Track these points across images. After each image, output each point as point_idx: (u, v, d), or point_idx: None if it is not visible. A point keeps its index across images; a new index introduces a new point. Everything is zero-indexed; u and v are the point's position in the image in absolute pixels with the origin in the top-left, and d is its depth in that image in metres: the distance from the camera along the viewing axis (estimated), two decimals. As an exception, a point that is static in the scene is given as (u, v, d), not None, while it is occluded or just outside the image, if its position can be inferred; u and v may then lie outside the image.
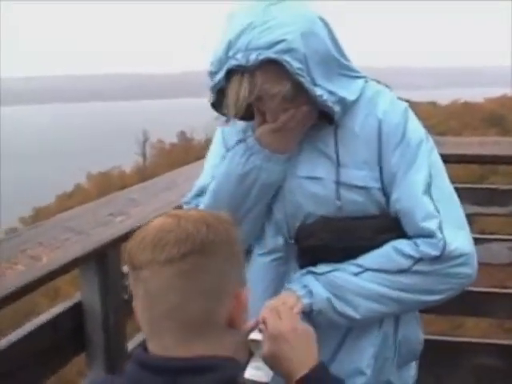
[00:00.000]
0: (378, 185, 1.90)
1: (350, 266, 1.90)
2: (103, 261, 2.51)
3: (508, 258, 4.34)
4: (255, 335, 1.67)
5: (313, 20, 1.81)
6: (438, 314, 4.38)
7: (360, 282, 1.88)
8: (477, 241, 4.26)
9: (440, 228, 1.85)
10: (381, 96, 1.94)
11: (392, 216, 1.92)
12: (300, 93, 1.79)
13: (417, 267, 1.86)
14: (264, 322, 1.67)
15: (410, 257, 1.86)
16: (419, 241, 1.86)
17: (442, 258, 1.85)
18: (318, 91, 1.79)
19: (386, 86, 2.01)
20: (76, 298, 2.55)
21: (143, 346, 1.33)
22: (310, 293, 1.90)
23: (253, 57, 1.73)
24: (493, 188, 4.49)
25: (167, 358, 1.26)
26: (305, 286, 1.90)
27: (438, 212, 1.86)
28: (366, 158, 1.89)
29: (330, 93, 1.81)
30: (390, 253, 1.89)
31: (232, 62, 1.76)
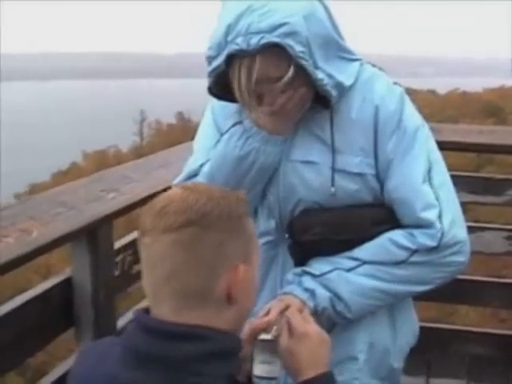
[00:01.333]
0: (373, 171, 1.88)
1: (346, 261, 1.89)
2: (94, 237, 2.49)
3: (502, 248, 4.34)
4: (265, 335, 1.66)
5: (313, 2, 1.76)
6: (431, 301, 4.38)
7: (357, 279, 1.87)
8: (471, 229, 4.28)
9: (439, 217, 1.84)
10: (376, 80, 1.91)
11: (387, 206, 1.91)
12: (299, 75, 1.75)
13: (413, 258, 1.86)
14: (283, 320, 1.65)
15: (406, 248, 1.86)
16: (416, 232, 1.86)
17: (439, 248, 1.85)
18: (320, 74, 1.76)
19: (381, 69, 1.98)
20: (66, 273, 2.53)
21: (146, 309, 1.35)
22: (313, 295, 1.88)
23: (254, 41, 1.68)
24: (488, 177, 4.50)
25: (160, 320, 1.29)
26: (306, 289, 1.89)
27: (438, 200, 1.85)
28: (361, 144, 1.87)
29: (329, 76, 1.78)
30: (386, 245, 1.88)
31: (232, 47, 1.72)
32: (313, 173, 1.89)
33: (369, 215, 1.92)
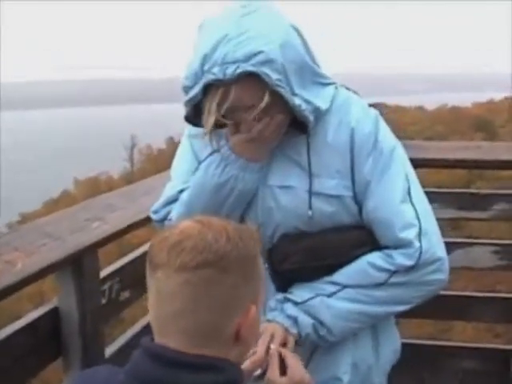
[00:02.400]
0: (350, 193, 1.90)
1: (327, 286, 1.91)
2: (79, 266, 2.50)
3: (491, 262, 4.35)
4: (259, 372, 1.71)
5: (287, 29, 1.78)
6: (421, 317, 4.38)
7: (338, 303, 1.89)
8: (459, 245, 4.31)
9: (419, 236, 1.86)
10: (352, 103, 1.93)
11: (366, 228, 1.93)
12: (276, 102, 1.77)
13: (392, 279, 1.88)
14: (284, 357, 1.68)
15: (385, 270, 1.88)
16: (394, 253, 1.87)
17: (417, 266, 1.87)
18: (297, 101, 1.77)
19: (355, 92, 2.00)
20: (53, 302, 2.54)
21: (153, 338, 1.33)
22: (296, 322, 1.91)
23: (230, 70, 1.70)
24: (474, 192, 4.50)
25: (173, 349, 1.27)
26: (289, 317, 1.91)
27: (419, 219, 1.87)
28: (338, 166, 1.88)
29: (307, 102, 1.80)
30: (365, 268, 1.89)
31: (209, 76, 1.73)
32: (290, 197, 1.90)
33: (348, 239, 1.93)
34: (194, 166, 1.99)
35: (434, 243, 1.89)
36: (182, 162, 2.08)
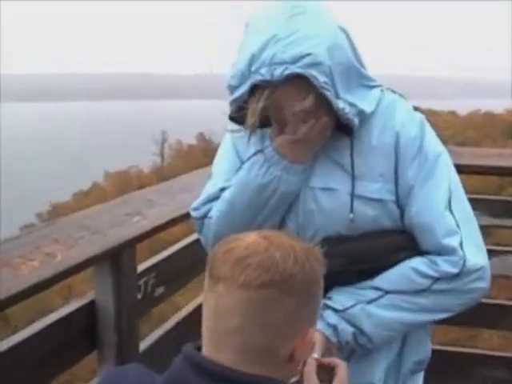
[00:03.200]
0: (393, 197, 1.87)
1: (368, 292, 1.89)
2: (118, 260, 2.51)
3: (527, 271, 4.33)
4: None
5: (336, 31, 1.77)
6: (453, 325, 4.36)
7: (379, 312, 1.87)
8: (493, 253, 4.29)
9: (461, 244, 1.84)
10: (397, 106, 1.91)
11: (407, 233, 1.90)
12: (321, 104, 1.76)
13: (435, 286, 1.86)
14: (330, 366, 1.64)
15: (428, 276, 1.85)
16: (438, 259, 1.85)
17: (461, 274, 1.84)
18: (341, 104, 1.76)
19: (401, 95, 1.98)
20: (90, 296, 2.55)
21: (195, 346, 1.31)
22: (336, 330, 1.89)
23: (278, 71, 1.69)
24: (509, 200, 4.47)
25: (223, 366, 1.24)
26: (329, 325, 1.89)
27: (459, 227, 1.84)
28: (381, 170, 1.87)
29: (351, 105, 1.79)
30: (408, 273, 1.87)
31: (256, 77, 1.72)
32: (331, 199, 1.89)
33: (388, 243, 1.91)
34: (236, 165, 1.98)
35: (477, 252, 1.87)
36: (223, 159, 2.06)
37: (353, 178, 1.87)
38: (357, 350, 1.94)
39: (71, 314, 2.44)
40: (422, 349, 2.12)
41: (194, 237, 3.19)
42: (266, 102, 1.74)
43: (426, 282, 1.85)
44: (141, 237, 2.60)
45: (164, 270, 2.93)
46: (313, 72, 1.69)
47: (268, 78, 1.70)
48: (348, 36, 1.81)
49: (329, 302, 1.90)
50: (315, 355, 1.74)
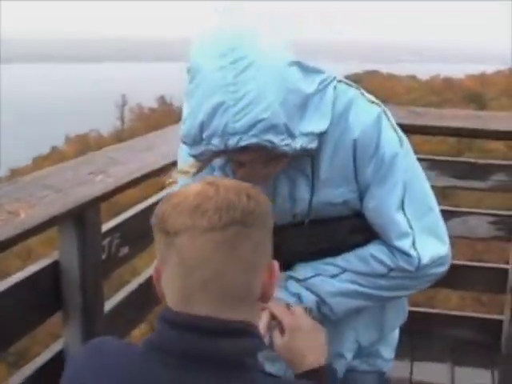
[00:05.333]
0: (355, 195, 1.86)
1: (329, 267, 1.89)
2: (82, 220, 2.48)
3: (487, 232, 4.38)
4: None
5: (286, 76, 1.62)
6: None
7: (340, 284, 1.88)
8: (454, 214, 4.33)
9: (413, 245, 1.84)
10: (352, 107, 1.80)
11: (363, 216, 1.90)
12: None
13: (393, 273, 1.87)
14: (275, 317, 1.70)
15: (386, 265, 1.86)
16: (396, 253, 1.85)
17: (417, 270, 1.86)
18: (299, 143, 1.66)
19: (357, 87, 1.88)
20: (54, 256, 2.52)
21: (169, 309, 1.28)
22: (299, 299, 1.89)
23: (232, 142, 1.58)
24: (472, 162, 4.50)
25: (207, 317, 1.23)
26: (292, 294, 1.89)
27: (411, 228, 1.84)
28: (342, 174, 1.82)
29: (308, 135, 1.69)
30: (367, 259, 1.88)
31: (210, 147, 1.61)
32: (296, 207, 1.88)
33: (344, 225, 1.91)
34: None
35: (435, 243, 1.87)
36: (186, 159, 1.90)
37: (312, 186, 1.84)
38: (322, 320, 1.95)
39: (35, 275, 2.41)
40: (401, 314, 2.18)
41: (158, 197, 3.18)
42: (225, 161, 1.75)
43: (383, 269, 1.87)
44: (104, 196, 2.56)
45: (128, 230, 2.91)
46: (268, 137, 1.58)
47: (222, 147, 1.60)
48: (299, 64, 1.69)
49: (291, 273, 1.91)
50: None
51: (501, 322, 4.33)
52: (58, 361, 2.50)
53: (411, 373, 4.04)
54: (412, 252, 1.83)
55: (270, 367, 1.98)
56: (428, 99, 48.64)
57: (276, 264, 1.32)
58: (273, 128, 1.58)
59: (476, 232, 4.40)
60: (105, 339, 1.39)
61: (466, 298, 19.94)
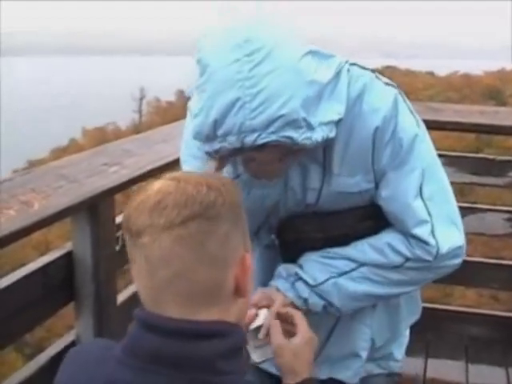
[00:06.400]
0: (371, 185, 1.81)
1: (340, 262, 1.86)
2: (96, 211, 2.48)
3: (503, 229, 4.36)
4: (258, 322, 1.73)
5: (302, 68, 1.55)
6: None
7: (350, 285, 1.85)
8: (470, 210, 4.30)
9: (432, 233, 1.79)
10: (366, 92, 1.74)
11: (374, 204, 1.86)
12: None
13: (409, 264, 1.83)
14: (290, 316, 1.70)
15: (402, 255, 1.82)
16: (413, 242, 1.81)
17: (435, 260, 1.82)
18: (318, 135, 1.59)
19: (372, 70, 1.82)
20: (67, 247, 2.52)
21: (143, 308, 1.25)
22: (306, 302, 1.87)
23: (249, 140, 1.51)
24: (490, 158, 4.48)
25: (174, 319, 1.19)
26: (299, 297, 1.87)
27: (430, 215, 1.79)
28: (359, 162, 1.77)
29: (327, 124, 1.62)
30: (382, 248, 1.83)
31: (225, 145, 1.54)
32: (309, 196, 1.84)
33: (356, 213, 1.88)
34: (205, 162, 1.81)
35: (452, 231, 1.83)
36: (191, 156, 1.89)
37: (329, 174, 1.79)
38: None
39: (48, 265, 2.41)
40: (414, 311, 2.16)
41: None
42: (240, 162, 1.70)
43: (399, 260, 1.83)
44: (119, 187, 2.56)
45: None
46: (288, 133, 1.52)
47: (238, 146, 1.54)
48: (313, 53, 1.63)
49: (301, 273, 1.87)
50: (273, 310, 1.76)
51: (517, 319, 4.31)
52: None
53: (425, 370, 4.01)
54: (431, 240, 1.79)
55: (269, 367, 1.98)
56: (446, 95, 48.42)
57: (248, 256, 1.27)
58: (292, 123, 1.51)
59: (492, 229, 4.37)
60: (90, 343, 1.42)
61: (483, 295, 19.86)
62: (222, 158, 1.64)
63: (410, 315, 2.14)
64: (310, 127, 1.55)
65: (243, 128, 1.50)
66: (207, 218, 1.19)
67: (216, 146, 1.56)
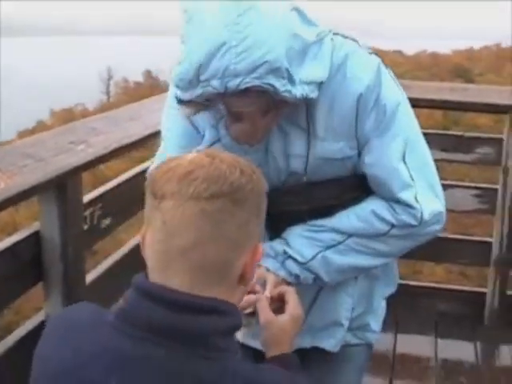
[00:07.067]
0: (354, 152, 1.81)
1: (326, 235, 1.86)
2: (63, 189, 2.44)
3: (472, 205, 4.39)
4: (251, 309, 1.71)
5: (289, 19, 1.59)
6: (400, 258, 4.43)
7: (337, 259, 1.86)
8: (442, 187, 4.33)
9: (416, 197, 1.81)
10: (349, 60, 1.76)
11: (359, 174, 1.86)
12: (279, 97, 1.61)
13: (394, 231, 1.84)
14: (280, 295, 1.69)
15: (388, 222, 1.83)
16: (398, 208, 1.82)
17: (420, 225, 1.83)
18: (299, 91, 1.61)
19: (353, 39, 1.84)
20: (35, 226, 2.49)
21: (146, 275, 1.25)
22: (298, 278, 1.88)
23: (233, 84, 1.51)
24: (458, 135, 4.51)
25: (178, 291, 1.19)
26: (291, 274, 1.87)
27: (413, 179, 1.81)
28: (342, 128, 1.78)
29: (309, 83, 1.64)
30: (367, 216, 1.84)
31: (208, 89, 1.54)
32: (293, 162, 1.83)
33: (340, 184, 1.88)
34: (189, 130, 1.86)
35: (434, 197, 1.84)
36: (173, 123, 1.91)
37: (312, 138, 1.79)
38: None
39: (16, 245, 2.38)
40: (389, 284, 2.17)
41: (140, 168, 3.14)
42: (222, 108, 1.67)
43: (384, 227, 1.84)
44: (86, 165, 2.52)
45: (110, 201, 2.88)
46: (270, 80, 1.53)
47: (221, 90, 1.54)
48: (299, 11, 1.66)
49: (289, 251, 1.87)
50: (267, 293, 1.75)
51: (484, 294, 4.35)
52: (40, 332, 2.46)
53: (395, 345, 4.05)
54: (415, 204, 1.80)
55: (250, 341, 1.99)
56: (415, 74, 48.59)
57: (261, 247, 1.29)
58: (275, 71, 1.53)
59: (461, 205, 4.40)
60: (77, 307, 1.36)
61: (452, 271, 20.08)
62: (197, 105, 1.65)
63: (386, 286, 2.14)
64: (292, 81, 1.57)
65: (227, 72, 1.51)
66: (233, 200, 1.20)
67: (198, 91, 1.57)
